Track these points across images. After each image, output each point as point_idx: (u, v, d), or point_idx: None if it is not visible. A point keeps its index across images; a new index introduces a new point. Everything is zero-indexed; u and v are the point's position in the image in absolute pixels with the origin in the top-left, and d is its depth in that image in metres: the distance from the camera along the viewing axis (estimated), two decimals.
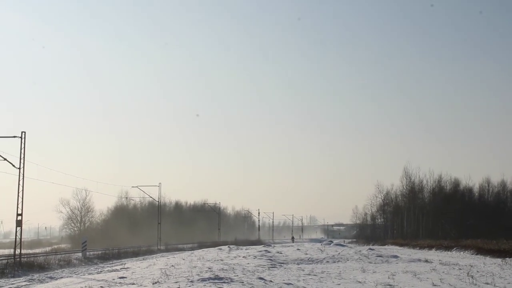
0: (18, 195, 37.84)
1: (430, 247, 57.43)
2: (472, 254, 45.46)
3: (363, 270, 27.36)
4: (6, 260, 36.39)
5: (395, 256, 38.34)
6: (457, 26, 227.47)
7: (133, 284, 19.01)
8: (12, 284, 25.43)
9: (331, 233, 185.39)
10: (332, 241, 77.28)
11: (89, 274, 29.82)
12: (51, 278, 28.81)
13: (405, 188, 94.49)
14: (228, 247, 58.26)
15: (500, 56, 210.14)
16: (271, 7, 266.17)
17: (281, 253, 41.98)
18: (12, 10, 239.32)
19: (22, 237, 38.78)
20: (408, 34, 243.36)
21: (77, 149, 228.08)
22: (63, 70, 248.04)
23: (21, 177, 37.82)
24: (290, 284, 20.21)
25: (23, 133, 38.02)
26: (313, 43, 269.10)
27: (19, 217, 38.19)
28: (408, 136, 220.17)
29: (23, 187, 37.94)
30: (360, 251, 43.76)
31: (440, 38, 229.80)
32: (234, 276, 20.91)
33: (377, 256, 38.22)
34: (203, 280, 18.28)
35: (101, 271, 31.13)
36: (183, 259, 35.90)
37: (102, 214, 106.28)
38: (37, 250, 64.82)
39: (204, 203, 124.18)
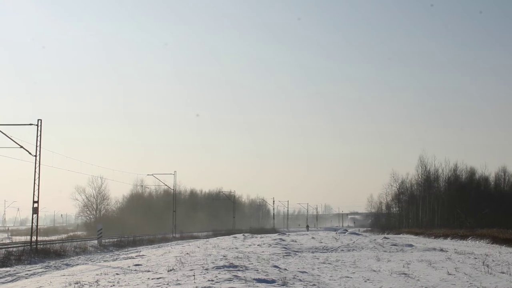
0: (34, 183, 38.12)
1: (445, 236, 57.22)
2: (488, 243, 45.22)
3: (377, 259, 27.30)
4: (23, 247, 36.74)
5: (410, 245, 38.23)
6: (457, 26, 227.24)
7: (148, 271, 19.08)
8: (29, 270, 25.63)
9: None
10: (346, 230, 77.18)
11: (105, 261, 30.01)
12: (67, 265, 29.04)
13: (420, 177, 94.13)
14: (243, 235, 58.34)
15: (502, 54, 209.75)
16: (271, 7, 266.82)
17: (295, 242, 41.99)
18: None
19: (38, 224, 39.11)
20: (408, 33, 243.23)
21: (93, 137, 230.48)
22: (74, 62, 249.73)
23: (37, 165, 38.08)
24: (305, 272, 20.21)
25: (39, 120, 38.26)
26: (322, 36, 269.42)
27: (35, 205, 38.49)
28: (423, 125, 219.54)
29: (39, 174, 38.22)
30: (375, 240, 43.66)
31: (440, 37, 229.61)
32: (249, 264, 20.93)
33: (392, 245, 38.13)
34: (218, 268, 18.31)
35: (116, 259, 31.32)
36: (198, 247, 36.01)
37: (118, 202, 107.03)
38: (53, 237, 65.41)
39: (219, 192, 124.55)
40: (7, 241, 57.09)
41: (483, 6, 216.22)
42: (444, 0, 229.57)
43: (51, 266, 28.36)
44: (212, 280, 15.09)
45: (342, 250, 34.62)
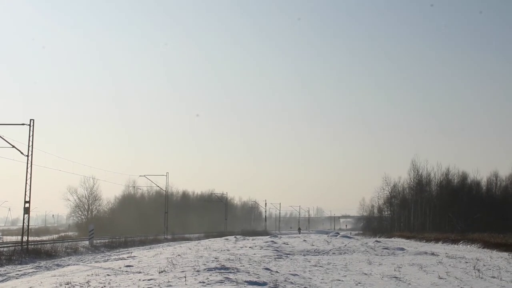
0: (26, 183, 37.99)
1: (436, 240, 57.33)
2: (479, 247, 45.33)
3: (369, 262, 27.32)
4: (14, 247, 36.60)
5: (402, 249, 38.28)
6: (457, 26, 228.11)
7: (140, 272, 19.04)
8: (19, 271, 25.54)
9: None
10: (338, 233, 77.25)
11: (96, 262, 29.92)
12: (58, 265, 28.94)
13: (412, 180, 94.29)
14: (235, 237, 58.35)
15: (500, 55, 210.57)
16: (271, 7, 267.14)
17: (287, 244, 41.99)
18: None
19: (29, 224, 38.95)
20: (408, 33, 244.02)
21: (85, 138, 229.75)
22: (72, 63, 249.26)
23: (29, 165, 37.96)
24: (296, 275, 20.21)
25: (32, 120, 38.16)
26: (317, 43, 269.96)
27: (27, 205, 38.35)
28: (416, 129, 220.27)
29: (31, 174, 38.10)
30: (366, 243, 43.72)
31: (440, 37, 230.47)
32: (240, 266, 20.92)
33: (384, 248, 38.18)
34: (209, 269, 18.30)
35: (107, 260, 31.23)
36: (190, 249, 35.97)
37: (110, 202, 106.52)
38: (44, 238, 65.14)
39: (211, 193, 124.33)
40: None
41: (483, 6, 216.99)
42: (444, 0, 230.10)
43: (42, 266, 28.26)
44: (204, 282, 15.08)
45: (334, 253, 34.64)
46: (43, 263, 30.50)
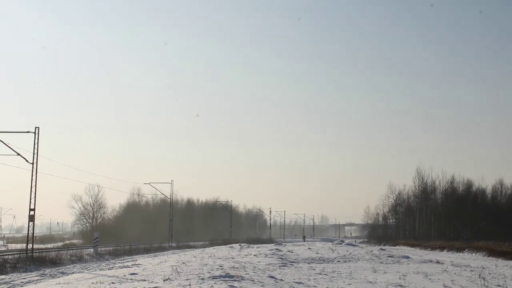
0: (31, 190, 38.06)
1: (441, 248, 57.19)
2: (484, 256, 45.20)
3: (374, 270, 27.25)
4: (19, 255, 36.60)
5: (407, 257, 38.17)
6: (457, 26, 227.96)
7: (144, 280, 19.04)
8: (24, 278, 25.56)
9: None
10: (343, 241, 77.08)
11: (100, 270, 29.92)
12: (63, 273, 28.94)
13: (417, 188, 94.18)
14: (239, 245, 58.30)
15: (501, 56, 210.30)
16: (271, 7, 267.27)
17: (292, 252, 41.92)
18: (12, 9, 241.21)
19: (34, 232, 38.99)
20: (408, 34, 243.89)
21: (90, 146, 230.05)
22: (75, 67, 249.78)
23: (34, 172, 38.03)
24: (301, 283, 20.17)
25: (37, 128, 38.26)
26: (317, 43, 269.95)
27: (32, 212, 38.42)
28: (421, 137, 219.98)
29: (36, 182, 38.17)
30: (371, 251, 43.59)
31: (440, 37, 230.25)
32: (245, 274, 20.91)
33: (388, 256, 38.07)
34: (214, 277, 18.29)
35: (112, 267, 31.23)
36: (194, 257, 35.95)
37: (114, 210, 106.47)
38: (49, 245, 65.13)
39: (216, 201, 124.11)
40: (3, 248, 56.85)
41: (483, 6, 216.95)
42: (444, 0, 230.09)
43: (46, 274, 28.27)
44: None
45: (339, 261, 34.56)
46: (48, 270, 30.51)
